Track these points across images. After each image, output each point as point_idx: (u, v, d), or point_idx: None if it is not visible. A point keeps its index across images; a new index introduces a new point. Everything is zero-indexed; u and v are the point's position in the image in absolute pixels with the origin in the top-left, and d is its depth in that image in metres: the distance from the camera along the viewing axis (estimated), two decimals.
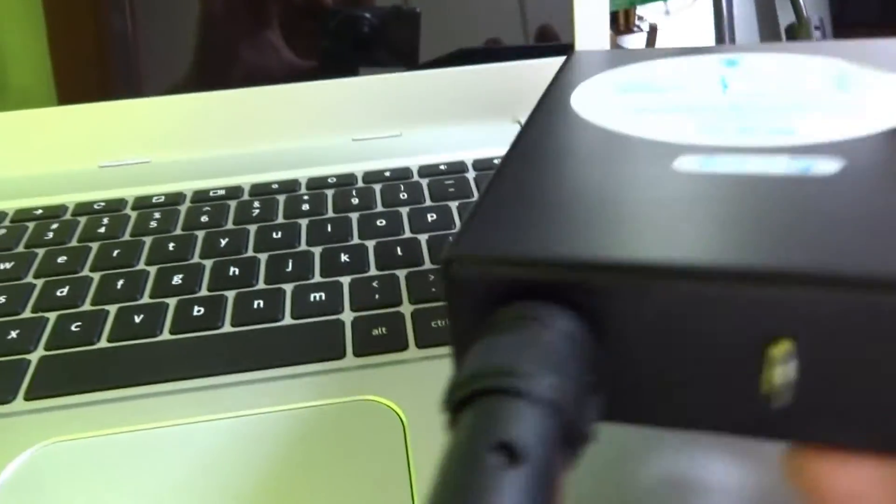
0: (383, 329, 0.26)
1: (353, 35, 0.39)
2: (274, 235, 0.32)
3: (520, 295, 0.12)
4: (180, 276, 0.29)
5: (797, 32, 0.53)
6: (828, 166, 0.14)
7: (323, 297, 0.28)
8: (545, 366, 0.11)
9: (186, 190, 0.36)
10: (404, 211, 0.33)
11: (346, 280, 0.28)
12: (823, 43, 0.22)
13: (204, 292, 0.28)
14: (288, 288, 0.28)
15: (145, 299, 0.28)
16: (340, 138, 0.40)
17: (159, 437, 0.23)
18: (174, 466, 0.22)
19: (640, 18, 0.66)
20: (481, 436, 0.10)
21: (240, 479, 0.21)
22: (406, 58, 0.39)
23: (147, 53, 0.38)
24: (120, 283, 0.29)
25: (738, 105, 0.18)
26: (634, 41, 0.67)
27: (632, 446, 0.20)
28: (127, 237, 0.32)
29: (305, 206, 0.34)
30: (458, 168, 0.36)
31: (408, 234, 0.31)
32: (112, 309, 0.28)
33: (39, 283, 0.30)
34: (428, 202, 0.34)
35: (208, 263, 0.30)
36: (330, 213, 0.33)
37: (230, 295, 0.28)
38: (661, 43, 0.66)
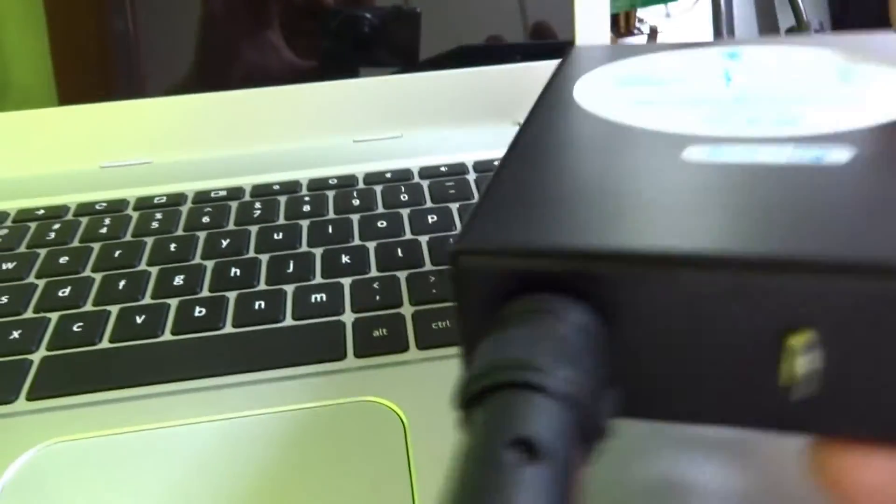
0: (384, 330, 0.26)
1: (354, 35, 0.39)
2: (275, 236, 0.32)
3: (531, 287, 0.12)
4: (182, 276, 0.29)
5: None
6: (839, 155, 0.14)
7: (324, 298, 0.28)
8: (560, 359, 0.11)
9: (188, 191, 0.36)
10: (405, 212, 0.33)
11: (346, 281, 0.29)
12: (823, 35, 0.22)
13: (205, 293, 0.29)
14: (289, 289, 0.28)
15: (147, 300, 0.28)
16: (341, 139, 0.40)
17: (161, 438, 0.23)
18: (176, 467, 0.22)
19: (641, 21, 0.66)
20: (498, 432, 0.10)
21: (241, 480, 0.21)
22: (406, 58, 0.39)
23: (148, 54, 0.38)
24: (121, 283, 0.29)
25: (742, 97, 0.18)
26: (635, 43, 0.67)
27: (626, 448, 0.20)
28: (128, 238, 0.33)
29: (306, 207, 0.34)
30: (458, 170, 0.36)
31: (408, 235, 0.31)
32: (114, 309, 0.28)
33: (41, 283, 0.30)
34: (429, 203, 0.34)
35: (210, 264, 0.30)
36: (331, 215, 0.33)
37: (231, 296, 0.28)
38: None
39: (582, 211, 0.13)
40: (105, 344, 0.26)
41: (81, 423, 0.23)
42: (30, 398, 0.24)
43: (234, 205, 0.34)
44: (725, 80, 0.19)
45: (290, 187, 0.36)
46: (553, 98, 0.19)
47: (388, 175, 0.36)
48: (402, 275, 0.29)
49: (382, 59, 0.39)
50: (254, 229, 0.32)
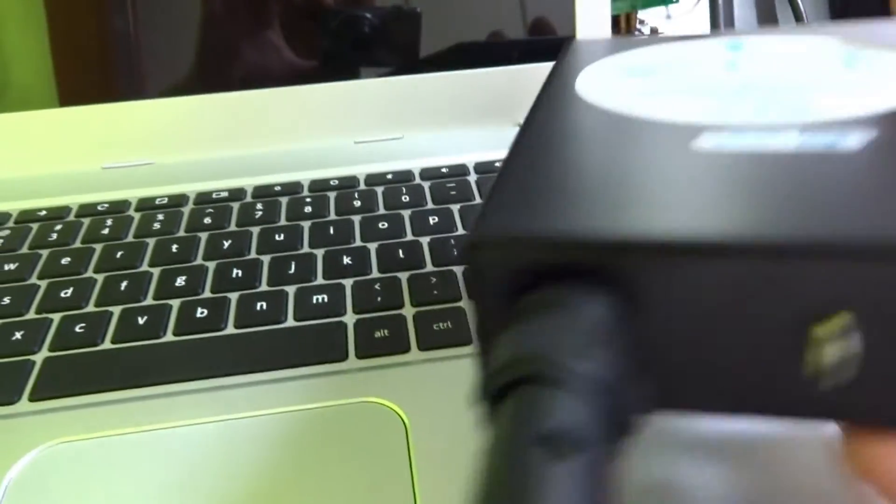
0: (385, 331, 0.26)
1: (354, 35, 0.39)
2: (277, 237, 0.32)
3: (549, 278, 0.12)
4: (184, 277, 0.29)
5: None
6: (853, 141, 0.14)
7: (325, 300, 0.28)
8: (585, 352, 0.10)
9: (189, 192, 0.36)
10: (406, 213, 0.33)
11: (348, 282, 0.29)
12: (824, 24, 0.22)
13: (207, 294, 0.29)
14: (290, 290, 0.28)
15: (149, 301, 0.28)
16: (342, 140, 0.40)
17: (163, 438, 0.23)
18: (178, 467, 0.22)
19: (642, 22, 0.66)
20: (525, 428, 0.09)
21: (243, 481, 0.21)
22: (407, 58, 0.39)
23: (149, 55, 0.38)
24: (123, 284, 0.29)
25: (748, 85, 0.18)
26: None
27: (625, 449, 0.20)
28: (130, 239, 0.33)
29: (308, 209, 0.34)
30: (459, 171, 0.36)
31: (409, 236, 0.31)
32: (116, 310, 0.28)
33: (43, 284, 0.30)
34: (430, 205, 0.34)
35: (211, 265, 0.30)
36: (332, 216, 0.33)
37: (233, 297, 0.28)
38: None
39: (599, 200, 0.13)
40: (107, 345, 0.26)
41: (84, 424, 0.23)
42: (32, 399, 0.24)
43: (235, 206, 0.34)
44: (729, 70, 0.19)
45: (292, 188, 0.36)
46: (556, 91, 0.19)
47: (389, 176, 0.36)
48: (403, 276, 0.29)
49: (383, 59, 0.39)
50: (255, 230, 0.32)
